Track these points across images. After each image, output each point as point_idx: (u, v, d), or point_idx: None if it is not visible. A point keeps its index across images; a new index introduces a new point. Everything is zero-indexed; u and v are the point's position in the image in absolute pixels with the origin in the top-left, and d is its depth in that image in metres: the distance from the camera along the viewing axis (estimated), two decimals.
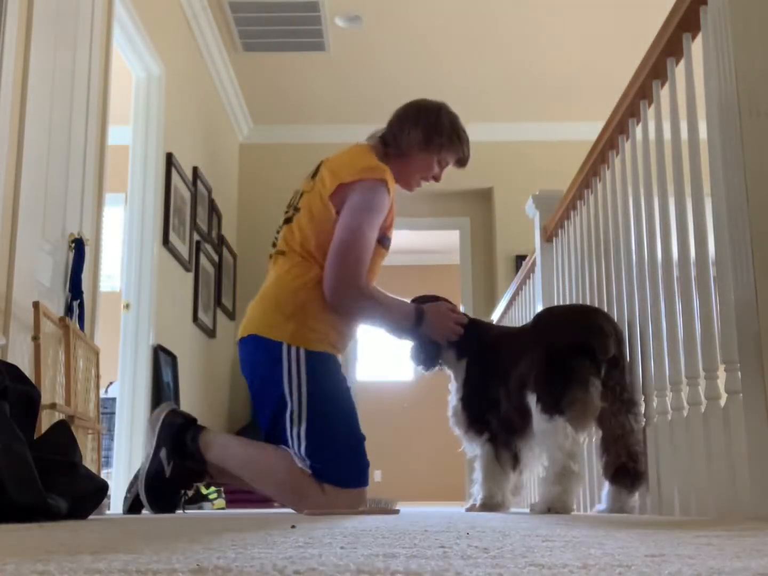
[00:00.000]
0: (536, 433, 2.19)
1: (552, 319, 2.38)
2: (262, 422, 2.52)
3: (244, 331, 2.56)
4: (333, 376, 2.50)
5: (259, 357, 2.50)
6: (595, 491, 2.62)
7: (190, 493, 2.74)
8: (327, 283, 2.44)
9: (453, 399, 2.53)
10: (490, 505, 2.43)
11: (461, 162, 2.72)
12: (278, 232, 2.67)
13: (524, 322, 3.32)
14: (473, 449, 2.49)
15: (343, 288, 2.44)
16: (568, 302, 3.23)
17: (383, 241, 2.57)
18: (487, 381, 2.43)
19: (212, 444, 2.50)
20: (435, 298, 2.61)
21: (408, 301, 2.61)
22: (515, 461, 2.42)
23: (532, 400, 2.17)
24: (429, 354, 2.53)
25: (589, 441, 2.62)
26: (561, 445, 2.08)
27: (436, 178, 2.70)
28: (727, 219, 1.67)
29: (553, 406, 2.11)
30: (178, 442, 2.51)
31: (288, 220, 2.62)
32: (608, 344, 2.18)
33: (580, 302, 3.01)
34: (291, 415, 2.42)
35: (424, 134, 2.60)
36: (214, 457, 2.50)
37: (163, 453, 2.50)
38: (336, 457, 2.41)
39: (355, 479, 2.43)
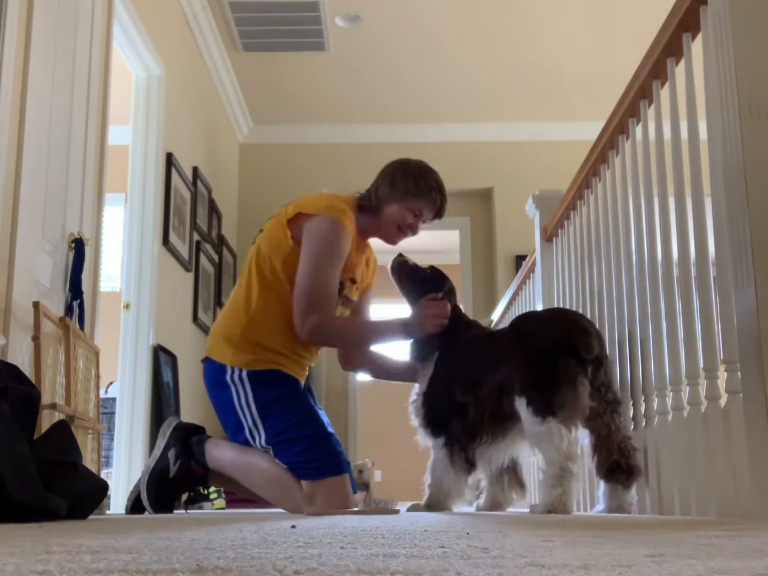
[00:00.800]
0: (528, 436, 2.18)
1: (532, 322, 2.36)
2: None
3: (205, 353, 2.69)
4: (280, 384, 2.54)
5: (211, 379, 2.62)
6: (595, 491, 2.62)
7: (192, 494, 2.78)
8: (298, 326, 2.49)
9: (416, 390, 2.49)
10: (434, 506, 2.42)
11: (438, 211, 2.70)
12: None
13: None
14: (427, 445, 2.47)
15: (314, 327, 2.47)
16: (567, 302, 3.24)
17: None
18: (453, 383, 2.38)
19: (212, 448, 2.59)
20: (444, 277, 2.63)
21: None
22: (470, 466, 2.39)
23: (520, 403, 2.15)
24: (426, 349, 2.52)
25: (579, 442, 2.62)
26: (558, 447, 2.07)
27: (413, 229, 2.70)
28: (727, 219, 1.67)
29: (545, 409, 2.10)
30: (187, 444, 2.60)
31: (254, 241, 2.73)
32: (592, 343, 2.19)
33: (580, 302, 3.02)
34: (250, 432, 2.51)
35: (390, 183, 2.65)
36: (211, 460, 2.58)
37: (171, 452, 2.59)
38: (301, 453, 2.46)
39: (327, 469, 2.47)
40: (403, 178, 2.64)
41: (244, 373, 2.53)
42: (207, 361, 2.64)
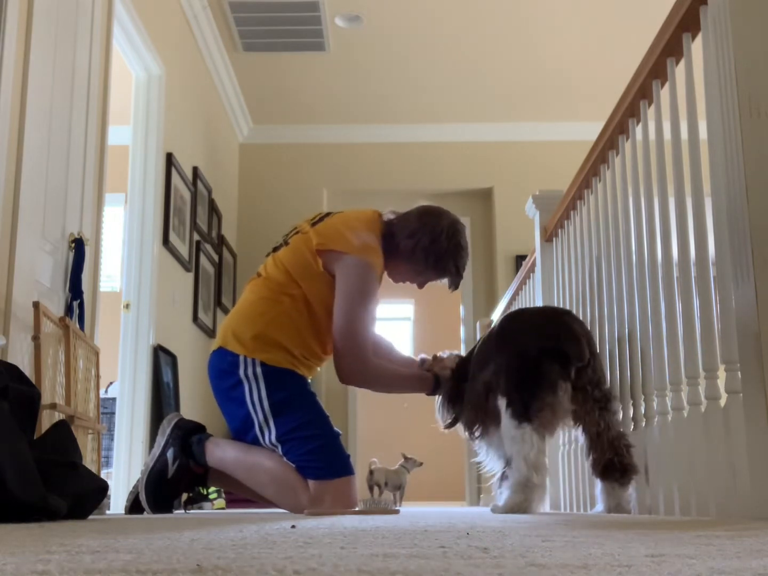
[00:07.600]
0: (504, 438, 2.20)
1: (521, 323, 2.37)
2: (236, 438, 2.63)
3: (213, 346, 2.68)
4: (293, 382, 2.56)
5: (221, 371, 2.59)
6: (594, 490, 2.61)
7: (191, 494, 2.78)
8: (338, 367, 2.56)
9: None
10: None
11: (449, 285, 2.83)
12: (267, 256, 2.75)
13: None
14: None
15: (353, 371, 2.56)
16: (567, 302, 3.23)
17: None
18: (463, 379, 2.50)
19: (213, 448, 2.58)
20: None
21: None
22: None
23: (502, 404, 2.18)
24: (449, 414, 2.60)
25: (576, 443, 2.62)
26: (526, 456, 2.11)
27: (420, 287, 2.87)
28: (727, 219, 1.67)
29: (522, 413, 2.12)
30: (186, 444, 2.59)
31: (276, 249, 2.70)
32: (582, 349, 2.20)
33: (580, 302, 3.01)
34: (259, 428, 2.52)
35: (413, 249, 2.66)
36: (212, 460, 2.57)
37: (170, 452, 2.58)
38: (309, 453, 2.48)
39: (334, 470, 2.49)
40: (424, 252, 2.65)
41: (258, 369, 2.52)
42: (218, 352, 2.61)
